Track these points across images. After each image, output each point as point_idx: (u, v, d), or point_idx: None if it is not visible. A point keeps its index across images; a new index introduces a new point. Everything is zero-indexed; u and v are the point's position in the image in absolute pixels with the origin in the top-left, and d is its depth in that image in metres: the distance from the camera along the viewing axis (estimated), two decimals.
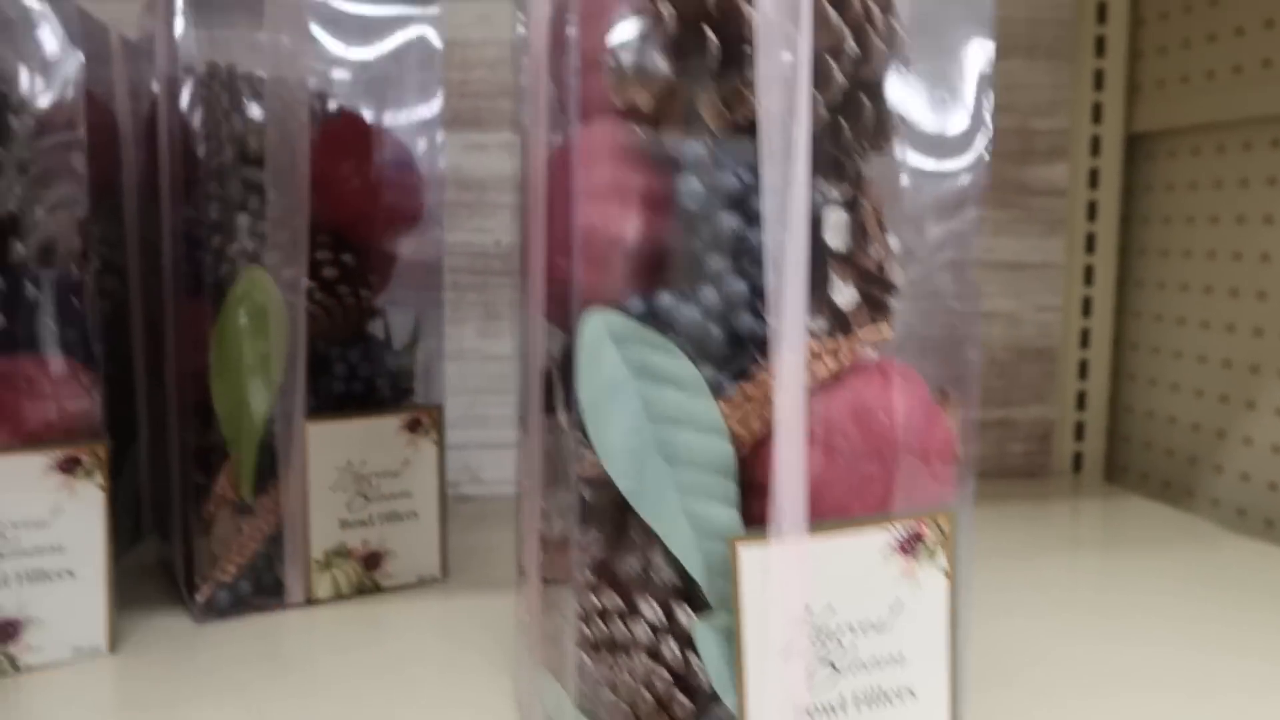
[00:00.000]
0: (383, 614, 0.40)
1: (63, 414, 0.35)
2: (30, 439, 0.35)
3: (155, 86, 0.42)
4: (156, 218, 0.42)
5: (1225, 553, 0.48)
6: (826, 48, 0.24)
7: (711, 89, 0.24)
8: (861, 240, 0.26)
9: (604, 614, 0.25)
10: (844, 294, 0.25)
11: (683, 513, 0.25)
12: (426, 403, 0.43)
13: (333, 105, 0.42)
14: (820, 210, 0.25)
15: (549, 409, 0.27)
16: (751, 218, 0.24)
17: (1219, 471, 0.56)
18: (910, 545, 0.26)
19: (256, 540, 0.40)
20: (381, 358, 0.42)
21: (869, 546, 0.25)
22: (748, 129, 0.24)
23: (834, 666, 0.25)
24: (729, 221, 0.24)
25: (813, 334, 0.25)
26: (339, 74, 0.42)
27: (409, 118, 0.43)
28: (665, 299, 0.24)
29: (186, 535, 0.39)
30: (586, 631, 0.26)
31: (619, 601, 0.25)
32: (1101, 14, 0.61)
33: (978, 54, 0.27)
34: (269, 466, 0.40)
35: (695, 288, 0.24)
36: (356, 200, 0.41)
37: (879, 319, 0.26)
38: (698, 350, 0.24)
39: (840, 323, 0.25)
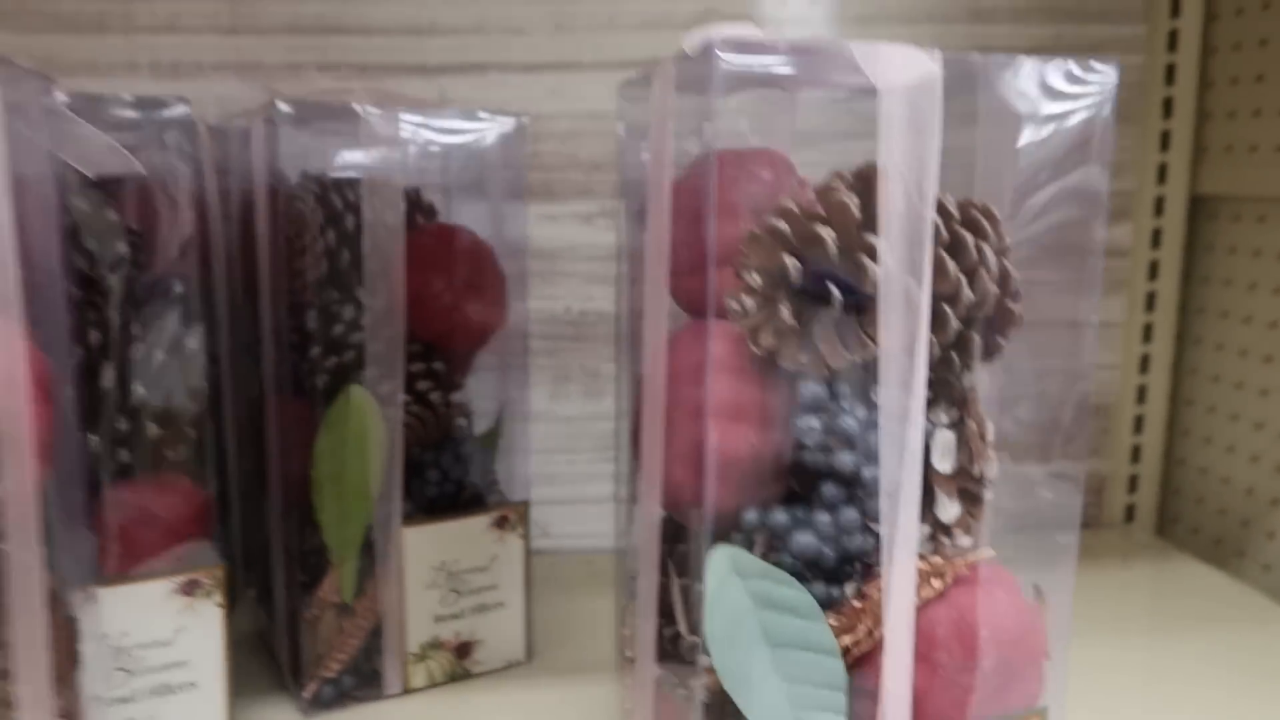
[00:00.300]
0: (474, 700, 0.43)
1: (182, 539, 0.38)
2: (154, 565, 0.37)
3: (244, 185, 0.44)
4: (252, 318, 0.44)
5: (1272, 628, 0.50)
6: (944, 296, 0.25)
7: (832, 333, 0.25)
8: (966, 456, 0.27)
9: None
10: (948, 510, 0.27)
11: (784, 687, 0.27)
12: (513, 500, 0.45)
13: (424, 199, 0.44)
14: (930, 435, 0.26)
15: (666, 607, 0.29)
16: (867, 455, 0.25)
17: (1271, 538, 0.57)
18: None
19: (357, 638, 0.42)
20: (470, 458, 0.44)
21: None
22: (865, 366, 0.25)
23: None
24: (845, 459, 0.25)
25: (920, 555, 0.26)
26: (428, 165, 0.44)
27: (496, 205, 0.45)
28: (780, 518, 0.26)
29: (293, 632, 0.42)
30: None
31: None
32: (1170, 76, 0.61)
33: None
34: (368, 569, 0.42)
35: (810, 513, 0.26)
36: (449, 314, 0.42)
37: (976, 519, 0.28)
38: (809, 569, 0.26)
39: (944, 532, 0.27)
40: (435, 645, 0.44)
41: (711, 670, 0.26)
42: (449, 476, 0.43)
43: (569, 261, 0.57)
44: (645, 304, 0.29)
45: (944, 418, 0.26)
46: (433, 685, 0.44)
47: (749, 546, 0.26)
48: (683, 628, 0.27)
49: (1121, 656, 0.47)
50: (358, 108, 0.40)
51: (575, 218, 0.57)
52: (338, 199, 0.41)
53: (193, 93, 0.40)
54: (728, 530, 0.26)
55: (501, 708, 0.42)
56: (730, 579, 0.25)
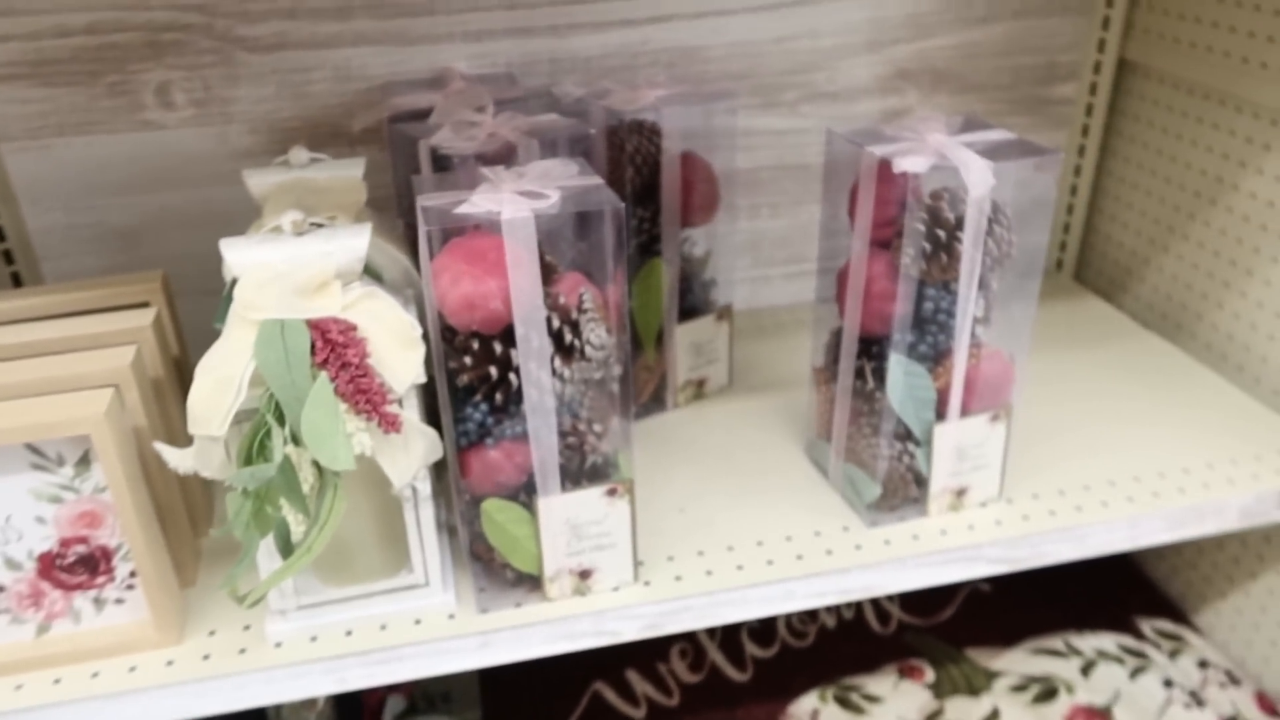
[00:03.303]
0: (707, 410, 0.82)
1: None
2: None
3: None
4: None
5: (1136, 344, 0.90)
6: (989, 252, 0.60)
7: (940, 264, 0.60)
8: (985, 307, 0.63)
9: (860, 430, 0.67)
10: (977, 325, 0.64)
11: (914, 404, 0.65)
12: (724, 304, 0.81)
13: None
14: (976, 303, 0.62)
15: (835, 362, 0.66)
16: (948, 311, 0.62)
17: (1142, 281, 0.96)
18: None
19: (653, 381, 0.80)
20: (702, 285, 0.80)
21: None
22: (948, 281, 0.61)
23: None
24: (943, 311, 0.62)
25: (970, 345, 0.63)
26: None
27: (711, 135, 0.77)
28: (915, 337, 0.63)
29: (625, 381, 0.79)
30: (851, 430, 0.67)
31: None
32: None
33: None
34: (660, 346, 0.79)
35: (924, 335, 0.63)
36: (697, 208, 0.76)
37: (987, 326, 0.65)
38: (925, 359, 0.63)
39: (974, 334, 0.64)
40: (689, 384, 0.82)
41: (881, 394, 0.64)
42: (692, 293, 0.79)
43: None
44: (853, 246, 0.64)
45: (979, 298, 0.62)
46: (685, 405, 0.83)
47: (903, 351, 0.63)
48: (869, 374, 0.65)
49: (1045, 369, 0.87)
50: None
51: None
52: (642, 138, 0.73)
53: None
54: (888, 343, 0.63)
55: (725, 412, 0.81)
56: (899, 364, 0.62)
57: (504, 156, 0.64)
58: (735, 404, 0.82)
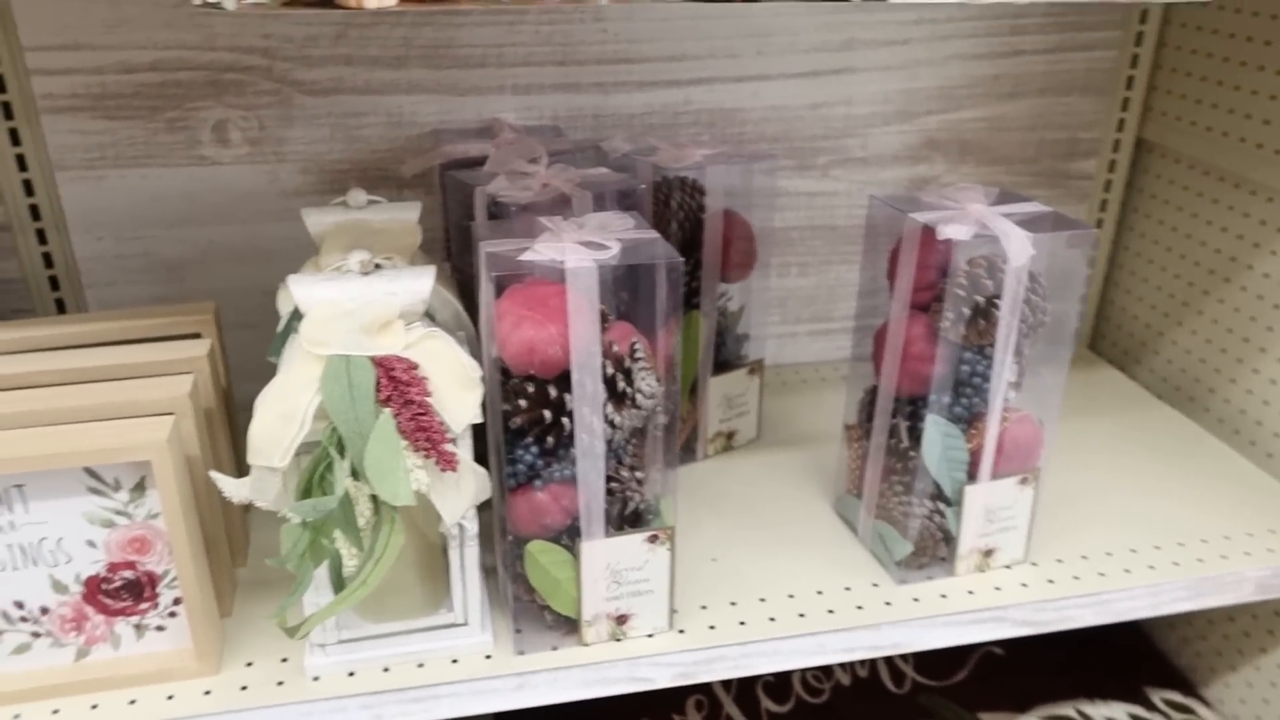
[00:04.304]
0: (736, 461, 0.83)
1: None
2: None
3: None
4: None
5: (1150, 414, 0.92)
6: (1025, 320, 0.62)
7: (976, 329, 0.62)
8: (1018, 372, 0.65)
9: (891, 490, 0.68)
10: (1010, 391, 0.66)
11: (946, 464, 0.66)
12: (755, 358, 0.83)
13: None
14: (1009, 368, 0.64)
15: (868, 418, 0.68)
16: (983, 375, 0.64)
17: (1157, 354, 0.98)
18: None
19: (688, 431, 0.81)
20: (736, 339, 0.82)
21: None
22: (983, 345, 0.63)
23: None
24: (978, 375, 0.64)
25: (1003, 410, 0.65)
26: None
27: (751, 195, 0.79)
28: (950, 399, 0.64)
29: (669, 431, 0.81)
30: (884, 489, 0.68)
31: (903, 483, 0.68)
32: (1134, 61, 0.94)
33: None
34: (693, 397, 0.80)
35: (959, 398, 0.65)
36: (734, 263, 0.78)
37: (1018, 392, 0.67)
38: (959, 421, 0.65)
39: (1006, 399, 0.66)
40: (719, 435, 0.83)
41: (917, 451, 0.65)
42: (725, 346, 0.81)
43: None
44: (893, 308, 0.66)
45: (1013, 363, 0.64)
46: (715, 455, 0.84)
47: (939, 412, 0.65)
48: (903, 432, 0.67)
49: (1063, 436, 0.89)
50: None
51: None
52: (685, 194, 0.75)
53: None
54: (924, 404, 0.65)
55: (753, 465, 0.83)
56: (935, 425, 0.64)
57: (557, 206, 0.66)
58: (763, 457, 0.84)
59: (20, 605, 0.57)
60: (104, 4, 0.74)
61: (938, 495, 0.67)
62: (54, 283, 0.81)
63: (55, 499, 0.55)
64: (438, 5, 0.43)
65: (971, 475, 0.66)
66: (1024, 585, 0.69)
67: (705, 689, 0.90)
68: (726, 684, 0.91)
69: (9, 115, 0.76)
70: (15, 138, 0.76)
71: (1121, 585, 0.69)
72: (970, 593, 0.68)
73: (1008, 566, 0.70)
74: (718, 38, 0.85)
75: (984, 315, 0.63)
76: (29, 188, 0.78)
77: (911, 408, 0.67)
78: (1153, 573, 0.70)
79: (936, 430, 0.65)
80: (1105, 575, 0.70)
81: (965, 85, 0.92)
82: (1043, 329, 0.65)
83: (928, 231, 0.62)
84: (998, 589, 0.68)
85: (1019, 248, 0.61)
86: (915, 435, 0.66)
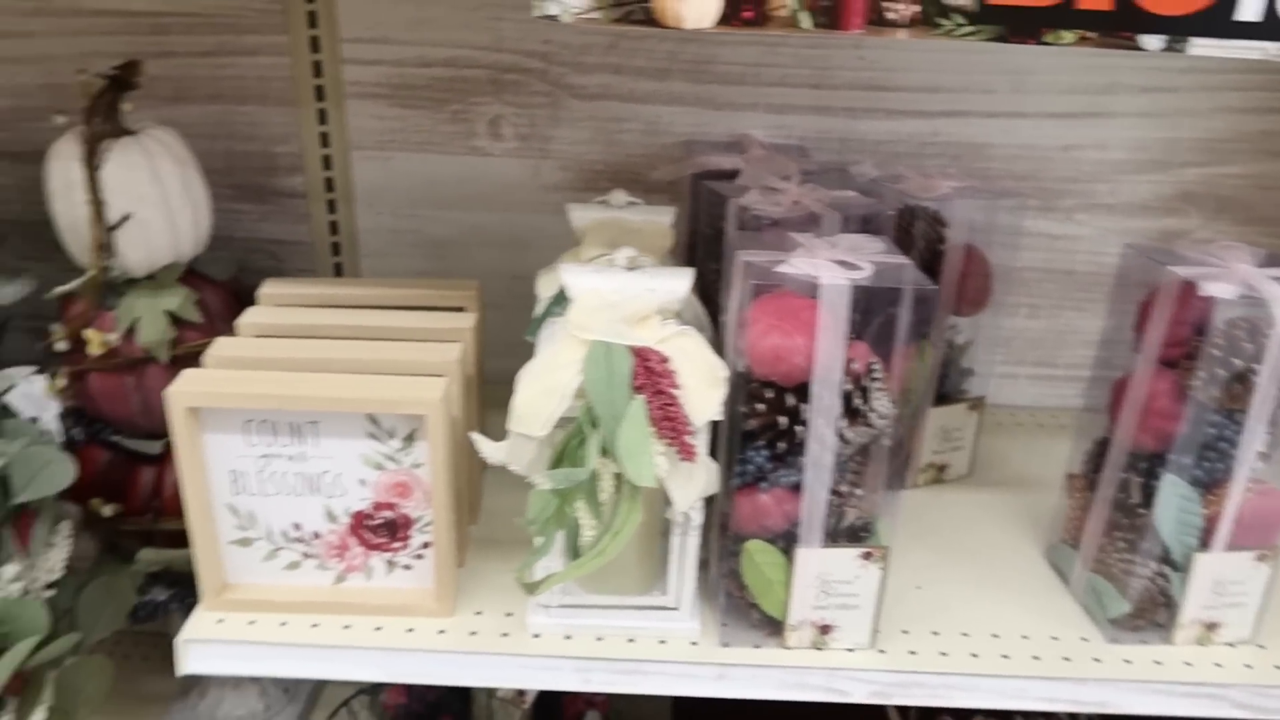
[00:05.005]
0: (946, 496, 0.83)
1: None
2: None
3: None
4: None
5: None
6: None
7: (1226, 393, 0.60)
8: (1270, 440, 0.62)
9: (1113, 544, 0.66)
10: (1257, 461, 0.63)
11: (1179, 527, 0.64)
12: (975, 394, 0.83)
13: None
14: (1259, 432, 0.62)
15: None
16: (1229, 440, 0.61)
17: None
18: None
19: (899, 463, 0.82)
20: (961, 370, 0.82)
21: None
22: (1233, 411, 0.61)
23: None
24: (1225, 439, 0.61)
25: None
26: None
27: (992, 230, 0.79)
28: (1192, 460, 0.63)
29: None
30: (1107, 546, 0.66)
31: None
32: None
33: None
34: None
35: (1202, 461, 0.62)
36: (969, 297, 0.78)
37: (1267, 463, 0.64)
38: (1198, 484, 0.63)
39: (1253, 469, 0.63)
40: (930, 466, 0.83)
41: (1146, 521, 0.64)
42: (948, 379, 0.81)
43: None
44: (1139, 361, 0.64)
45: (1265, 432, 0.62)
46: (924, 486, 0.84)
47: (1178, 472, 0.63)
48: (1134, 488, 0.65)
49: None
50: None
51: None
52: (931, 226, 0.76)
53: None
54: (1161, 462, 0.63)
55: (963, 501, 0.82)
56: (1171, 485, 0.62)
57: (806, 224, 0.69)
58: (974, 494, 0.83)
59: (298, 527, 0.64)
60: (412, 4, 0.83)
61: (1164, 558, 0.65)
62: (335, 248, 0.91)
63: (340, 438, 0.62)
64: (752, 30, 0.46)
65: (1204, 543, 0.64)
66: (1248, 666, 0.66)
67: (879, 714, 0.90)
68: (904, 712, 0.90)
69: (320, 97, 0.85)
70: (323, 117, 0.86)
71: None
72: (1188, 664, 0.65)
73: (1231, 644, 0.67)
74: (975, 72, 0.85)
75: (1240, 380, 0.61)
76: (327, 162, 0.88)
77: (1147, 465, 0.65)
78: None
79: (1173, 491, 0.63)
80: None
81: (1230, 139, 0.88)
82: None
83: (1188, 286, 0.61)
84: (1218, 665, 0.65)
85: None
86: (1148, 493, 0.65)
